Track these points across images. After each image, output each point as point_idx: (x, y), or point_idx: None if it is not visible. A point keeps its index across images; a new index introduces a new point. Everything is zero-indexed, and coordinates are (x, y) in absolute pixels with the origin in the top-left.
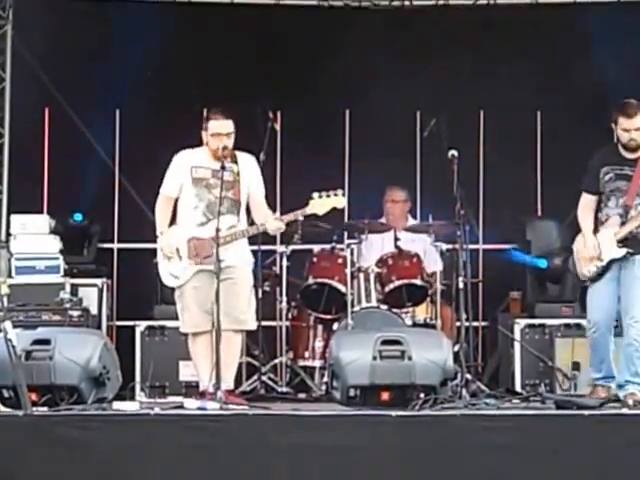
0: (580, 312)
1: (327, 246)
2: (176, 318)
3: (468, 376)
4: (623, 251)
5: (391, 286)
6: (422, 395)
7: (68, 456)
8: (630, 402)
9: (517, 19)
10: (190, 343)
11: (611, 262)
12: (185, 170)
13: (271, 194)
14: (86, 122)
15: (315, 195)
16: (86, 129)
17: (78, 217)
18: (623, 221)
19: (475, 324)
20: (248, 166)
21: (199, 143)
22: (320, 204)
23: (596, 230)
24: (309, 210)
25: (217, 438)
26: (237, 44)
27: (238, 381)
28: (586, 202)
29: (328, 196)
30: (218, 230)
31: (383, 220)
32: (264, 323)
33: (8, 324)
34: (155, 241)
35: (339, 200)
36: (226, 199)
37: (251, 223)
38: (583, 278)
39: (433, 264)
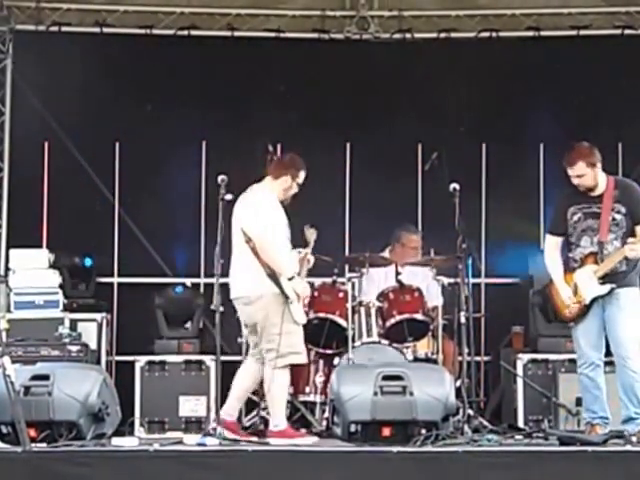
0: None
1: (328, 279)
2: (176, 353)
3: (470, 412)
4: (607, 287)
5: (392, 321)
6: (424, 431)
7: None
8: (634, 439)
9: (519, 52)
10: (287, 375)
11: (593, 299)
12: (279, 213)
13: None
14: (85, 155)
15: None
16: (85, 162)
17: (88, 262)
18: (601, 258)
19: (477, 359)
20: None
21: (199, 176)
22: (309, 234)
23: (571, 270)
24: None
25: (217, 474)
26: (238, 77)
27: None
28: (552, 244)
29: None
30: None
31: (385, 254)
32: None
33: (7, 359)
34: (155, 275)
35: (312, 232)
36: None
37: None
38: (567, 321)
39: (435, 298)
